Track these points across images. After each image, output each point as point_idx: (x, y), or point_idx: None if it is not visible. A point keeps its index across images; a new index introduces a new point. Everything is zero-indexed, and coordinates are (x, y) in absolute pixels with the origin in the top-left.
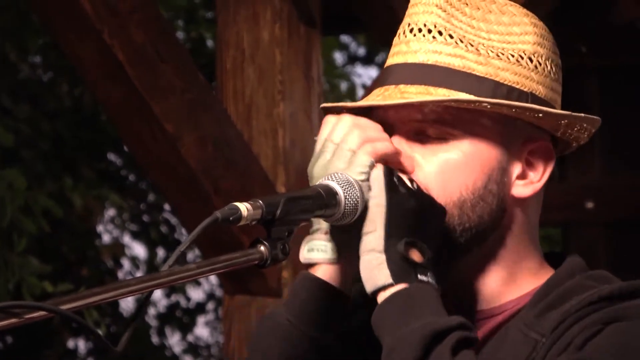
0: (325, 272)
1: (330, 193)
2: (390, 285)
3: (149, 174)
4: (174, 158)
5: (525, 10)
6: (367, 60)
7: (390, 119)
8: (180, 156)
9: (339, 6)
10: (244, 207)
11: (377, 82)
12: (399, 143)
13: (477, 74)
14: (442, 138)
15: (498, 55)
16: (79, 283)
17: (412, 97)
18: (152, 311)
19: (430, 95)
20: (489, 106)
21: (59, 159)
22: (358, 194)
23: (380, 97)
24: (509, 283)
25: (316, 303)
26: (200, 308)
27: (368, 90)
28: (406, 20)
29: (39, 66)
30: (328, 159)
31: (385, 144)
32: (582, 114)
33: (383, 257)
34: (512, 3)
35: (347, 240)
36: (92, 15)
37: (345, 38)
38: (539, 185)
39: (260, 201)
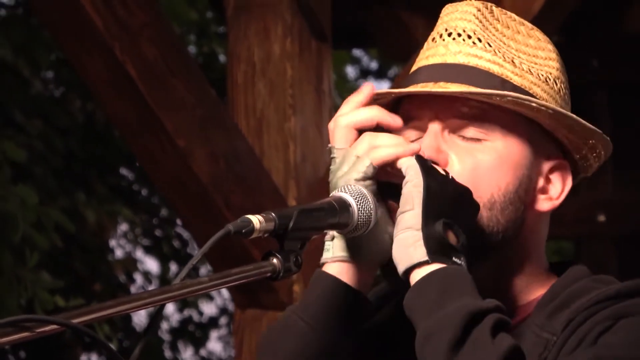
0: (334, 270)
1: (343, 205)
2: (426, 262)
3: (161, 189)
4: (185, 173)
5: (547, 38)
6: (380, 74)
7: (426, 114)
8: (192, 171)
9: (350, 20)
10: (256, 220)
11: (409, 81)
12: (435, 138)
13: (514, 83)
14: (477, 139)
15: (530, 71)
16: (92, 298)
17: (453, 89)
18: (164, 325)
19: (470, 89)
20: (549, 111)
21: (71, 174)
22: (371, 206)
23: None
24: (521, 291)
25: (327, 300)
26: (213, 322)
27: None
28: (442, 25)
29: (51, 82)
30: (339, 161)
31: (390, 150)
32: (608, 138)
33: (420, 234)
34: (537, 28)
35: (358, 242)
36: (103, 31)
37: (357, 52)
38: (557, 202)
39: (273, 213)
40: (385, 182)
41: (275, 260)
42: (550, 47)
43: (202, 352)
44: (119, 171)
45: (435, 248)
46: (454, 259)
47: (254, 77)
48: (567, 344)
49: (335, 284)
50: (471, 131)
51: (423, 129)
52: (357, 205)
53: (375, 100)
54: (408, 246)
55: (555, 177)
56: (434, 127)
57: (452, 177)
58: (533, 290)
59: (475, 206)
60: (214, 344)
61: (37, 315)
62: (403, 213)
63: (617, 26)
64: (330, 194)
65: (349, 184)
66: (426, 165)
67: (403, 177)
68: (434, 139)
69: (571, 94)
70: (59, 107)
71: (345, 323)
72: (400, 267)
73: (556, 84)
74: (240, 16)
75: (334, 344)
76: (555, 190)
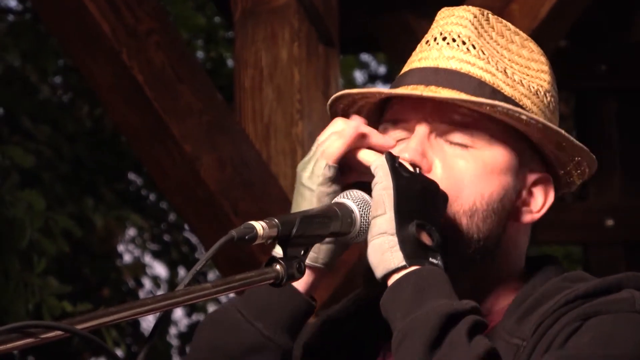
0: None
1: (346, 211)
2: (404, 267)
3: (168, 195)
4: (192, 179)
5: (541, 50)
6: (388, 79)
7: (414, 117)
8: (199, 177)
9: (358, 25)
10: (259, 226)
11: (399, 82)
12: (421, 142)
13: (505, 93)
14: (464, 145)
15: (521, 83)
16: (100, 303)
17: (445, 95)
18: (173, 330)
19: (462, 97)
20: (539, 125)
21: (79, 180)
22: None
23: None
24: (496, 298)
25: (271, 302)
26: None
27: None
28: (436, 29)
29: (59, 88)
30: (309, 156)
31: (335, 143)
32: (594, 156)
33: (395, 239)
34: (532, 40)
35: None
36: (110, 37)
37: (365, 57)
38: (537, 215)
39: (276, 220)
40: (355, 182)
41: (278, 267)
42: (543, 59)
43: None
44: (127, 177)
45: (412, 251)
46: (430, 259)
47: (262, 83)
48: (536, 348)
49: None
50: (458, 137)
51: (411, 131)
52: (359, 211)
53: (365, 98)
54: (384, 251)
55: (538, 191)
56: (421, 129)
57: (419, 171)
58: (505, 296)
59: (444, 197)
60: None
61: (42, 321)
62: (375, 217)
63: (626, 32)
64: (333, 200)
65: (313, 189)
66: (394, 165)
67: (372, 176)
68: (420, 142)
69: (580, 100)
70: (66, 113)
71: (287, 326)
72: (378, 273)
73: (546, 97)
74: (247, 21)
75: (273, 344)
76: (537, 203)
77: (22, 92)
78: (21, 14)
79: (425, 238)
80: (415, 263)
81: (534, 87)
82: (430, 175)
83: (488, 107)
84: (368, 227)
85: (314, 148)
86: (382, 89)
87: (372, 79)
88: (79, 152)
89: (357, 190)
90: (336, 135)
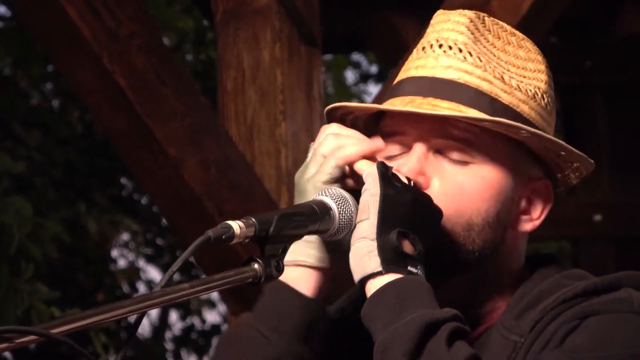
0: (293, 275)
1: (324, 208)
2: (380, 273)
3: (154, 198)
4: (177, 182)
5: (537, 49)
6: (379, 78)
7: (412, 132)
8: (184, 180)
9: (346, 26)
10: (236, 225)
11: (397, 90)
12: (419, 160)
13: (503, 101)
14: (462, 161)
15: (519, 88)
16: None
17: (444, 112)
18: (167, 334)
19: (462, 114)
20: (525, 133)
21: (71, 185)
22: (352, 209)
23: (409, 106)
24: (493, 299)
25: (283, 311)
26: (215, 330)
27: (379, 96)
28: (432, 35)
29: (50, 93)
30: (306, 162)
31: (352, 148)
32: (592, 161)
33: (374, 244)
34: (528, 39)
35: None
36: (91, 41)
37: (356, 56)
38: (537, 222)
39: (253, 219)
40: (352, 189)
41: (256, 266)
42: (540, 57)
43: None
44: (119, 181)
45: (390, 258)
46: (409, 268)
47: (244, 84)
48: (534, 344)
49: (290, 294)
50: (457, 154)
51: (407, 145)
52: (337, 208)
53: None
54: (362, 256)
55: (537, 198)
56: (419, 148)
57: (413, 184)
58: (505, 295)
59: (438, 212)
60: None
61: (16, 326)
62: (359, 222)
63: (611, 28)
64: (310, 196)
65: (317, 186)
66: (385, 174)
67: (363, 183)
68: (417, 161)
69: (567, 95)
70: (57, 118)
71: (301, 333)
72: (356, 277)
73: (543, 99)
74: (229, 23)
75: (291, 354)
76: (537, 210)
77: (13, 98)
78: (10, 20)
79: (407, 246)
80: (392, 270)
81: (531, 90)
82: (428, 192)
83: (488, 123)
84: (346, 224)
85: (311, 153)
86: (378, 105)
87: (364, 78)
88: (71, 157)
89: (336, 188)
90: (354, 141)
